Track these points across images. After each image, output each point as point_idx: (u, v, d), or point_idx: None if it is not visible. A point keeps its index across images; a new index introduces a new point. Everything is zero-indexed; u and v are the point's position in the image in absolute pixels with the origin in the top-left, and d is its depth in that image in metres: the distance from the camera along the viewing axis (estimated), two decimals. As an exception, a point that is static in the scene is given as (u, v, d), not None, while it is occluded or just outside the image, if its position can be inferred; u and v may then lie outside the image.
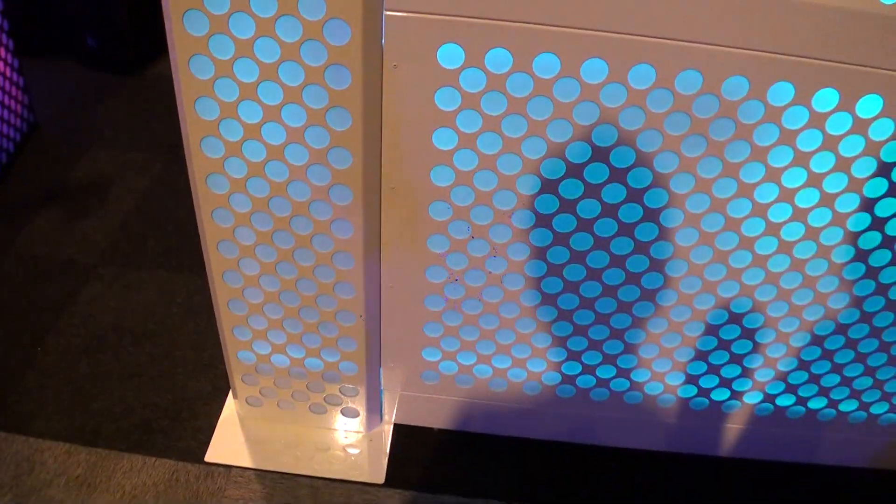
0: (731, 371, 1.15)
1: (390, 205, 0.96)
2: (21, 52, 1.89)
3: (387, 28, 0.82)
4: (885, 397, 1.19)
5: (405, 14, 0.81)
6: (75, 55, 2.25)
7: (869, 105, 0.87)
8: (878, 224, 0.96)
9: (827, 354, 1.12)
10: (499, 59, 0.83)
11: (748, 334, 1.09)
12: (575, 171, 0.91)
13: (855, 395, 1.18)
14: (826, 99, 0.87)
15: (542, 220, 0.97)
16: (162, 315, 1.48)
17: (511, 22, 0.81)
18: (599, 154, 0.90)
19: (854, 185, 0.93)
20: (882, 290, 1.04)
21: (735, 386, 1.17)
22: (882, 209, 0.95)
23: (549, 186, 0.93)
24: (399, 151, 0.90)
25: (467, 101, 0.86)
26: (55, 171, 1.86)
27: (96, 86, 2.20)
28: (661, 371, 1.15)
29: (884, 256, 1.00)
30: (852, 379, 1.16)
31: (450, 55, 0.83)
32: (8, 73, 1.84)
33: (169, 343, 1.42)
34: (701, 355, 1.13)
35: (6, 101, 1.83)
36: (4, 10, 1.80)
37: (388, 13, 0.81)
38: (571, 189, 0.93)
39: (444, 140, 0.89)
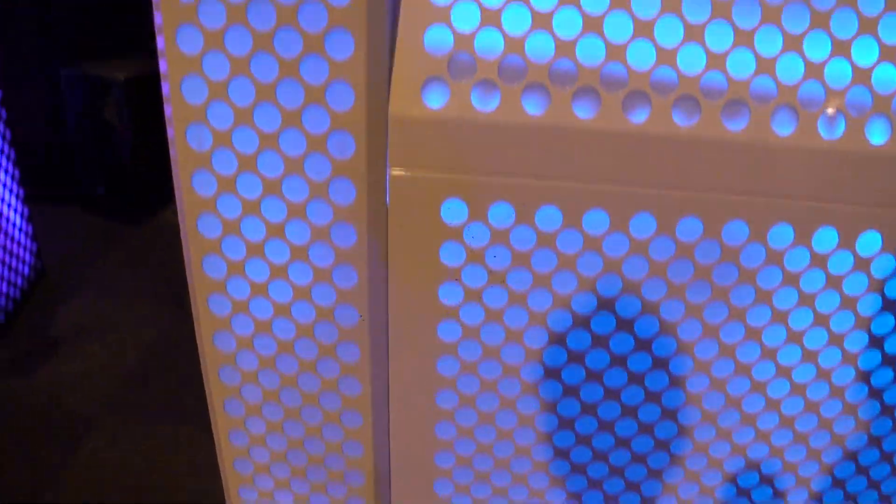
0: (752, 517, 1.12)
1: (397, 361, 0.95)
2: (31, 200, 1.93)
3: (391, 186, 0.84)
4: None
5: (409, 173, 0.83)
6: (85, 203, 2.30)
7: (868, 242, 0.88)
8: (888, 361, 0.96)
9: (849, 497, 1.08)
10: (502, 213, 0.85)
11: (767, 480, 1.06)
12: (582, 321, 0.91)
13: (882, 537, 1.14)
14: (826, 238, 0.88)
15: (551, 373, 0.96)
16: (164, 471, 1.45)
17: (513, 176, 0.83)
18: (605, 304, 0.90)
19: (861, 324, 0.93)
20: (899, 427, 1.02)
21: (758, 532, 1.13)
22: (891, 346, 0.94)
23: (556, 339, 0.92)
24: (405, 307, 0.91)
25: (472, 256, 0.87)
26: (61, 320, 1.87)
27: (104, 233, 2.24)
28: (680, 519, 1.12)
29: (897, 394, 0.99)
30: (878, 520, 1.12)
31: (453, 211, 0.85)
32: (17, 221, 1.87)
33: (171, 500, 1.39)
34: None
35: (14, 249, 1.86)
36: (17, 159, 1.85)
37: (394, 172, 0.83)
38: (579, 340, 0.92)
39: (449, 294, 0.90)
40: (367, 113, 0.81)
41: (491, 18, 0.80)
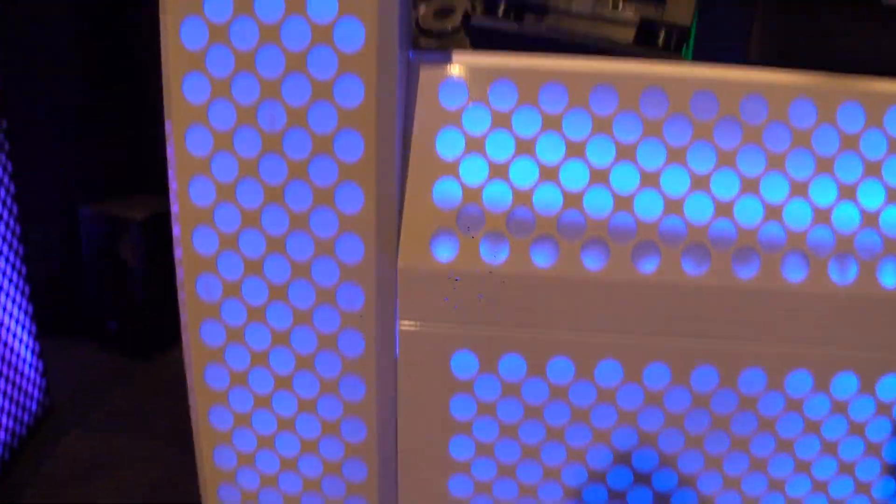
0: None
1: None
2: (43, 335, 1.93)
3: (401, 339, 0.83)
4: None
5: (419, 325, 0.82)
6: (95, 338, 2.30)
7: (889, 386, 0.86)
8: (920, 512, 0.92)
9: None
10: (512, 366, 0.84)
11: None
12: (597, 477, 0.88)
13: None
14: (845, 384, 0.86)
15: (568, 526, 0.92)
16: None
17: (524, 329, 0.82)
18: (621, 458, 0.87)
19: (887, 470, 0.90)
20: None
21: None
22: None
23: (570, 494, 0.89)
24: (415, 461, 0.88)
25: (483, 409, 0.85)
26: (66, 457, 1.83)
27: (114, 370, 2.22)
28: None
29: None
30: None
31: (463, 363, 0.84)
32: (28, 356, 1.87)
33: None
34: None
35: (22, 384, 1.85)
36: (31, 295, 1.86)
37: (403, 325, 0.83)
38: (595, 495, 0.89)
39: (460, 448, 0.87)
40: (377, 265, 0.81)
41: (499, 172, 0.81)
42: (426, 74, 0.81)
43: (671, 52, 0.87)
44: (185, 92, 0.78)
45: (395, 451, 0.88)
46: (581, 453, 0.87)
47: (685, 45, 0.87)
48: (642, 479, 0.88)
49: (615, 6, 0.88)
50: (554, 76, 0.80)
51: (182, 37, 0.76)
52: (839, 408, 0.87)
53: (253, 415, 0.87)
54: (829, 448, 0.88)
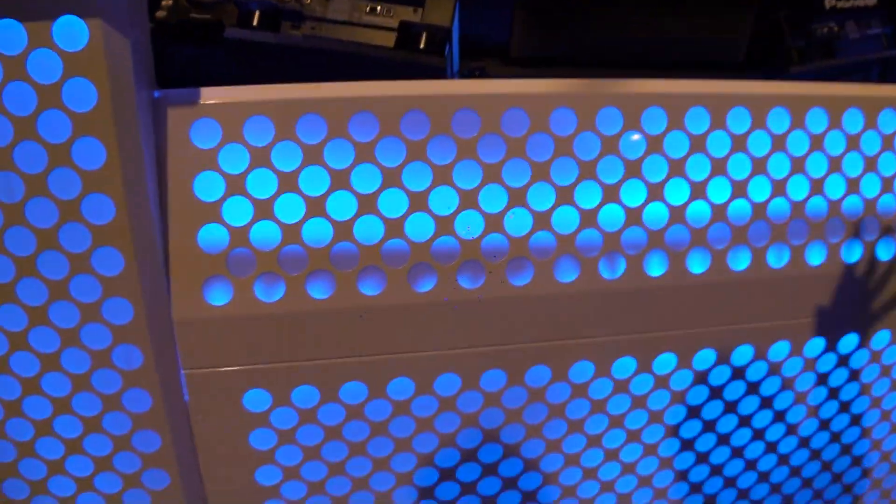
0: None
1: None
2: None
3: (188, 387, 0.82)
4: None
5: (204, 371, 0.82)
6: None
7: (664, 363, 0.93)
8: (701, 459, 1.00)
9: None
10: (305, 396, 0.85)
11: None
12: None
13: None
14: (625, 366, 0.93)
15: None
16: None
17: (310, 360, 0.83)
18: (425, 460, 0.92)
19: (671, 432, 0.98)
20: None
21: None
22: (700, 445, 0.99)
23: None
24: (225, 494, 0.90)
25: (283, 437, 0.86)
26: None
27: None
28: None
29: None
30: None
31: (256, 400, 0.84)
32: None
33: None
34: None
35: None
36: None
37: (187, 372, 0.82)
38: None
39: (267, 476, 0.89)
40: (148, 322, 0.78)
41: (264, 210, 0.78)
42: (175, 114, 0.76)
43: (432, 54, 0.84)
44: None
45: (203, 492, 0.89)
46: (385, 461, 0.90)
47: (447, 45, 0.84)
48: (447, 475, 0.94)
49: (373, 10, 0.84)
50: (310, 107, 0.77)
51: None
52: (621, 387, 0.93)
53: (48, 482, 0.86)
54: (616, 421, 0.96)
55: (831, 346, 0.98)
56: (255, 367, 0.82)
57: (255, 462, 0.87)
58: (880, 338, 1.00)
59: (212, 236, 0.79)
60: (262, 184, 0.78)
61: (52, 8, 0.67)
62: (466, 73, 0.95)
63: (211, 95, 0.77)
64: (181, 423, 0.83)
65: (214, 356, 0.81)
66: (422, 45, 0.84)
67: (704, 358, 0.94)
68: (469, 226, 0.81)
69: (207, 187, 0.78)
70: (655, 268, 0.86)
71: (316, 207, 0.79)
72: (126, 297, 0.77)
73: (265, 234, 0.79)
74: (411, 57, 0.84)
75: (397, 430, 0.88)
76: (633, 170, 0.83)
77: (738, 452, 1.03)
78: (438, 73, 0.85)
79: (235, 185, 0.78)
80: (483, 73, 0.95)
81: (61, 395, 0.81)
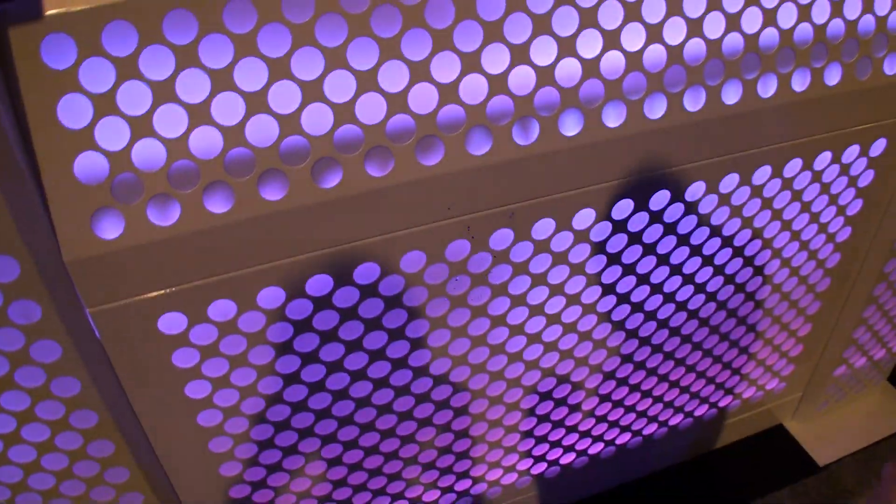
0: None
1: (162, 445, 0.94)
2: None
3: (96, 324, 0.77)
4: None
5: (110, 306, 0.77)
6: None
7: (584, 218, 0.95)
8: (622, 300, 1.05)
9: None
10: (222, 310, 0.82)
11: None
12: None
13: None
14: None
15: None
16: None
17: (218, 275, 0.79)
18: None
19: (595, 280, 1.01)
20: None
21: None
22: (621, 287, 1.04)
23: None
24: (160, 418, 0.88)
25: (206, 352, 0.84)
26: None
27: None
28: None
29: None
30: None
31: (171, 323, 0.81)
32: None
33: None
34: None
35: None
36: None
37: (93, 311, 0.77)
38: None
39: (196, 390, 0.88)
40: (40, 271, 0.72)
41: (141, 128, 0.71)
42: (18, 35, 0.65)
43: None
44: None
45: (138, 422, 0.87)
46: (314, 354, 0.90)
47: None
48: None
49: None
50: (178, 2, 0.67)
51: None
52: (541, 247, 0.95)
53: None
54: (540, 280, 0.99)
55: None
56: (165, 293, 0.78)
57: (182, 380, 0.86)
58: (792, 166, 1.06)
59: (89, 166, 0.71)
60: (134, 98, 0.70)
61: None
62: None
63: (56, 4, 0.66)
64: (100, 363, 0.79)
65: (119, 288, 0.76)
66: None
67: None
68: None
69: (73, 113, 0.69)
70: (570, 127, 0.85)
71: (200, 116, 0.72)
72: (9, 253, 0.70)
73: (148, 154, 0.72)
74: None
75: (321, 324, 0.88)
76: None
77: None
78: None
79: (105, 105, 0.69)
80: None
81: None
